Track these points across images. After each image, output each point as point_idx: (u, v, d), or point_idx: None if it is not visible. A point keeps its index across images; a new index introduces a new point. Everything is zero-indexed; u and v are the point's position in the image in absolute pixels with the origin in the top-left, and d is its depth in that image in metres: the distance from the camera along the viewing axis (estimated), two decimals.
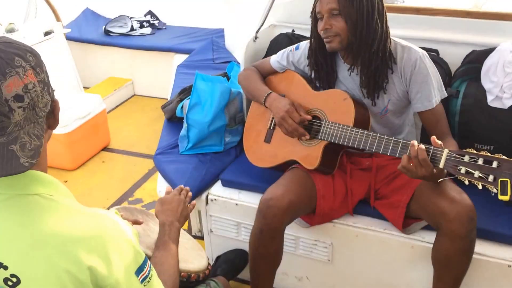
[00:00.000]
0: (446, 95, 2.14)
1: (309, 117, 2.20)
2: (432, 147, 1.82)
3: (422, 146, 1.82)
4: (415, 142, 1.84)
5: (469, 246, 1.94)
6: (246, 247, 2.45)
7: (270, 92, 2.33)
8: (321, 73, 2.22)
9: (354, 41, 2.02)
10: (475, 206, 1.94)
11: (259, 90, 2.39)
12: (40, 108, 1.16)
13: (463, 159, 1.74)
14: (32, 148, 1.13)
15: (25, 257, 1.12)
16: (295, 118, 2.18)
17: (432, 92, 2.07)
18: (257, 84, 2.42)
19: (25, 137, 1.12)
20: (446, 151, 1.79)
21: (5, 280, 1.12)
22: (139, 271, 1.24)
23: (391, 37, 2.09)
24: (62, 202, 1.19)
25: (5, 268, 1.12)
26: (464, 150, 1.76)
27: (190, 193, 1.90)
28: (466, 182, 1.75)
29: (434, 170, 1.83)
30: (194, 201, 1.90)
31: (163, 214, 1.75)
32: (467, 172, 1.73)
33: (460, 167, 1.74)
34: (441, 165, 1.79)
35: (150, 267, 1.29)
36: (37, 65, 1.17)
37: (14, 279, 1.12)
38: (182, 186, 1.90)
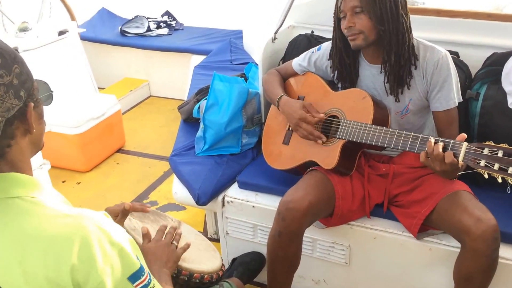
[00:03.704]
0: (461, 99, 2.13)
1: (322, 116, 2.21)
2: (451, 141, 1.82)
3: (441, 143, 1.83)
4: (432, 139, 1.85)
5: (492, 264, 1.93)
6: (262, 249, 2.46)
7: (281, 96, 2.33)
8: (344, 73, 2.22)
9: (380, 37, 2.04)
10: (494, 209, 1.93)
11: (274, 94, 2.40)
12: None
13: (482, 151, 1.73)
14: None
15: (4, 263, 1.07)
16: (310, 122, 2.20)
17: (452, 93, 2.08)
18: (273, 87, 2.43)
19: None
20: (465, 144, 1.78)
21: None
22: (134, 277, 1.16)
23: (414, 37, 2.10)
24: (44, 203, 1.13)
25: None
26: (483, 143, 1.75)
27: (179, 231, 1.70)
28: (486, 176, 1.73)
29: (450, 166, 1.82)
30: (188, 242, 1.72)
31: (148, 265, 1.55)
32: (486, 165, 1.71)
33: (480, 160, 1.73)
34: (460, 159, 1.78)
35: (150, 278, 1.22)
36: (2, 67, 1.08)
37: None
38: (165, 225, 1.70)
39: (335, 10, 2.13)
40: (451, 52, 2.42)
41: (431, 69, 2.07)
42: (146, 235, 1.65)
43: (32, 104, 1.16)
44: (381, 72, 2.14)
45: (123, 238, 1.17)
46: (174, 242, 1.67)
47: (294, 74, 2.46)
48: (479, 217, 1.89)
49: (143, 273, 1.19)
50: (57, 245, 1.07)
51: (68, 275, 1.07)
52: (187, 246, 1.71)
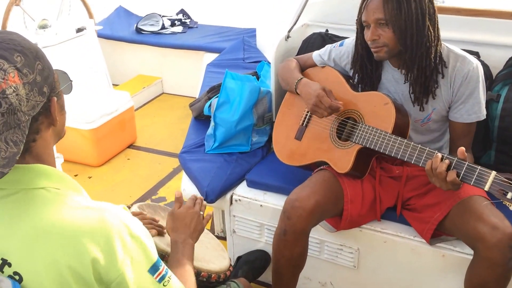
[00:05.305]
0: (485, 117, 2.04)
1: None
2: (479, 168, 1.72)
3: (446, 160, 1.77)
4: (440, 154, 1.79)
5: (507, 274, 1.85)
6: (268, 249, 2.44)
7: (302, 78, 2.27)
8: (366, 79, 2.16)
9: (404, 50, 1.95)
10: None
11: (292, 78, 2.33)
12: (23, 112, 1.08)
13: (511, 183, 1.64)
14: (7, 156, 1.06)
15: (26, 252, 1.09)
16: (326, 102, 2.10)
17: (475, 107, 2.00)
18: (292, 72, 2.36)
19: (0, 144, 1.06)
20: (493, 173, 1.69)
21: (9, 278, 1.09)
22: (153, 269, 1.20)
23: (444, 43, 2.03)
24: (68, 195, 1.16)
25: (9, 265, 1.10)
26: None
27: (205, 203, 1.75)
28: (511, 208, 1.65)
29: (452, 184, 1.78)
30: (209, 213, 1.79)
31: (176, 231, 1.61)
32: None
33: (507, 192, 1.64)
34: (486, 188, 1.69)
35: (167, 268, 1.25)
36: (26, 66, 1.09)
37: (17, 277, 1.09)
38: (195, 195, 1.75)
39: (358, 17, 2.05)
40: (471, 52, 2.36)
41: (460, 80, 1.98)
42: (178, 199, 1.68)
43: (56, 99, 1.18)
44: (405, 83, 2.07)
45: (142, 232, 1.20)
46: (201, 212, 1.71)
47: (312, 65, 2.39)
48: (495, 225, 1.82)
49: (160, 265, 1.22)
50: (79, 237, 1.10)
51: (90, 266, 1.09)
52: (209, 217, 1.73)
